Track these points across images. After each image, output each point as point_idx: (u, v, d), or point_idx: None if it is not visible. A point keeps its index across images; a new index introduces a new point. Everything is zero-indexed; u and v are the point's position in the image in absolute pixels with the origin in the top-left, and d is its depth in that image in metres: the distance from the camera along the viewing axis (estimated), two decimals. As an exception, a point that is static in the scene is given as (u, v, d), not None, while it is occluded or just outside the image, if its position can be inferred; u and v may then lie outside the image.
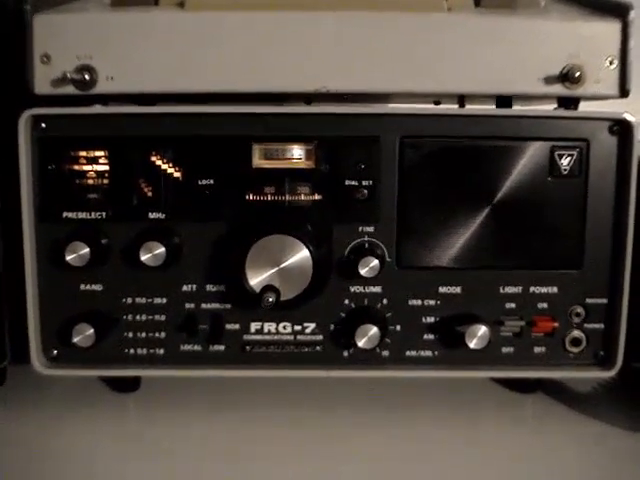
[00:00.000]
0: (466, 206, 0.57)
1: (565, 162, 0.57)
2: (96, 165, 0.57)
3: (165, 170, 0.57)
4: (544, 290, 0.58)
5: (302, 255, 0.55)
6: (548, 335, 0.59)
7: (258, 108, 0.56)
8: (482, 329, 0.56)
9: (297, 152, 0.57)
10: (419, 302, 0.58)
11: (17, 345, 0.62)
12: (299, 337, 0.59)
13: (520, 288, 0.58)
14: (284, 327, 0.59)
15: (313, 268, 0.55)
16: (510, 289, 0.58)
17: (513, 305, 0.58)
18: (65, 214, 0.57)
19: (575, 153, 0.57)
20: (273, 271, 0.55)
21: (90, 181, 0.57)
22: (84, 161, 0.57)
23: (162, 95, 0.58)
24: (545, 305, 0.58)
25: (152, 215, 0.57)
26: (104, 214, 0.57)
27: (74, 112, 0.57)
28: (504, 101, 0.62)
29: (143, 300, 0.58)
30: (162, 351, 0.59)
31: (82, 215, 0.57)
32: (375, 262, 0.56)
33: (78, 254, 0.55)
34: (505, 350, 0.59)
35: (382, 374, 0.59)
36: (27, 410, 0.61)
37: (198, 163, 0.57)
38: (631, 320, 0.58)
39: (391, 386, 0.64)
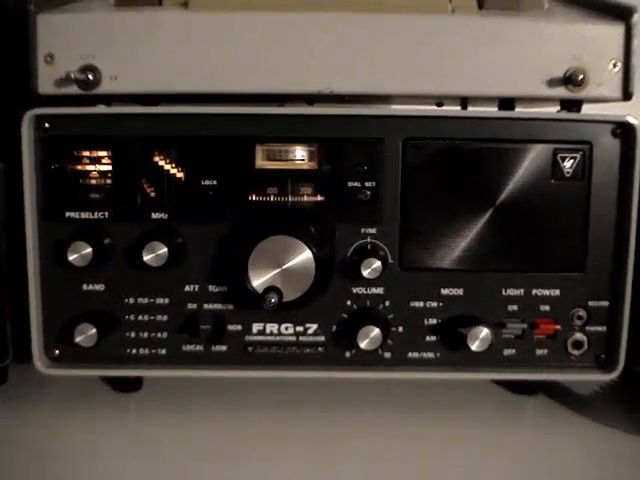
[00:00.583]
0: (468, 208, 0.57)
1: (568, 165, 0.57)
2: (99, 165, 0.57)
3: (168, 170, 0.57)
4: (546, 292, 0.58)
5: (304, 256, 0.55)
6: (550, 337, 0.59)
7: (261, 109, 0.57)
8: (484, 331, 0.56)
9: (300, 153, 0.57)
10: (421, 304, 0.58)
11: (19, 344, 0.62)
12: (301, 338, 0.59)
13: (522, 290, 0.58)
14: (286, 328, 0.59)
15: (315, 269, 0.55)
16: (512, 291, 0.58)
17: (515, 307, 0.58)
18: (68, 214, 0.57)
19: (578, 156, 0.57)
20: (275, 272, 0.55)
21: (93, 181, 0.57)
22: (87, 161, 0.57)
23: (165, 95, 0.58)
24: (547, 307, 0.58)
25: (155, 215, 0.57)
26: (107, 214, 0.57)
27: (77, 112, 0.57)
28: (507, 103, 0.63)
29: (145, 300, 0.58)
30: (164, 351, 0.59)
31: (85, 215, 0.57)
32: (377, 263, 0.56)
33: (81, 254, 0.55)
34: (507, 352, 0.59)
35: (384, 375, 0.59)
36: (28, 409, 0.61)
37: (201, 164, 0.57)
38: (633, 323, 0.58)
39: (392, 387, 0.64)
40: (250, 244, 0.55)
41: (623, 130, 0.56)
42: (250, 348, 0.59)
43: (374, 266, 0.56)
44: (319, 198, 0.57)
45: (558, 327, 0.59)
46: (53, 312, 0.58)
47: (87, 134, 0.57)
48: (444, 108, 0.70)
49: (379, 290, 0.58)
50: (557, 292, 0.58)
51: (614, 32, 0.56)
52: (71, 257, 0.55)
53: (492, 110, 0.64)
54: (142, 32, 0.56)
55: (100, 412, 0.60)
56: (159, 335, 0.59)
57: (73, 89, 0.56)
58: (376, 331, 0.56)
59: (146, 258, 0.55)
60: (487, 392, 0.64)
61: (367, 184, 0.57)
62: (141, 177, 0.57)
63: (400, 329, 0.59)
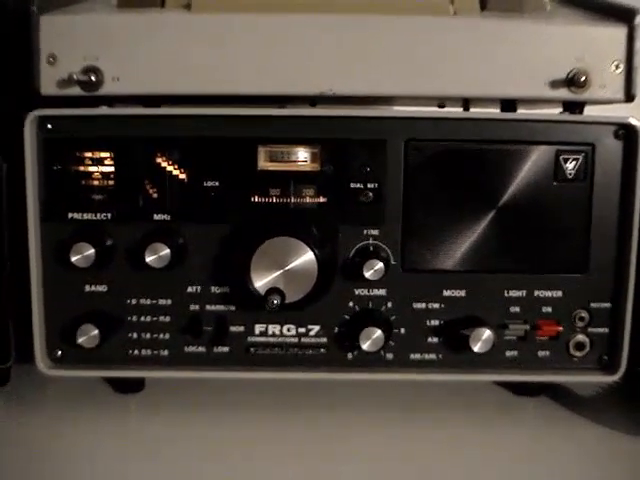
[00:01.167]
0: (471, 209, 0.57)
1: (570, 166, 0.57)
2: (101, 166, 0.57)
3: (170, 172, 0.57)
4: (548, 294, 0.58)
5: (307, 257, 0.55)
6: (552, 339, 0.59)
7: (263, 110, 0.57)
8: (486, 332, 0.56)
9: (302, 154, 0.57)
10: (423, 305, 0.58)
11: (21, 345, 0.62)
12: (303, 339, 0.59)
13: (524, 292, 0.58)
14: (288, 329, 0.59)
15: (318, 270, 0.55)
16: (514, 293, 0.58)
17: (517, 309, 0.58)
18: (70, 215, 0.57)
19: (580, 157, 0.57)
20: (278, 273, 0.55)
21: (95, 182, 0.57)
22: (89, 162, 0.57)
23: (168, 97, 0.58)
24: (549, 309, 0.58)
25: (157, 216, 0.57)
26: (109, 215, 0.57)
27: (80, 113, 0.57)
28: (509, 105, 0.63)
29: (148, 301, 0.58)
30: (166, 352, 0.59)
31: (87, 216, 0.57)
32: (380, 265, 0.56)
33: (83, 255, 0.55)
34: (509, 354, 0.59)
35: (386, 377, 0.59)
36: (30, 410, 0.61)
37: (203, 165, 0.57)
38: (635, 324, 0.58)
39: (393, 387, 0.64)
40: (252, 245, 0.55)
41: (625, 132, 0.56)
42: (252, 349, 0.59)
43: (376, 267, 0.56)
44: (321, 199, 0.57)
45: (560, 328, 0.59)
46: (55, 313, 0.58)
47: (89, 135, 0.57)
48: (446, 109, 0.70)
49: (381, 291, 0.58)
50: (559, 293, 0.58)
51: (617, 34, 0.56)
52: (73, 258, 0.55)
53: (494, 111, 0.64)
54: (144, 33, 0.56)
55: (102, 413, 0.60)
56: (161, 336, 0.59)
57: (75, 90, 0.56)
58: (378, 332, 0.56)
59: (148, 259, 0.55)
60: (489, 393, 0.64)
61: (369, 185, 0.57)
62: (143, 178, 0.57)
63: (402, 330, 0.59)
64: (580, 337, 0.59)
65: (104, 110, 0.58)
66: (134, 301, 0.58)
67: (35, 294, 0.57)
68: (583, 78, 0.55)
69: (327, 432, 0.58)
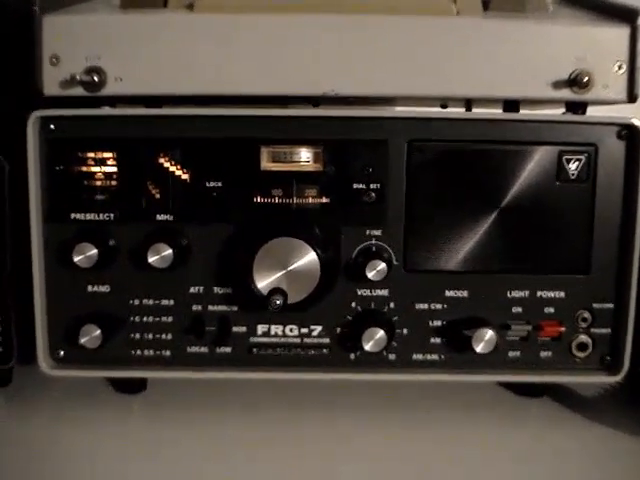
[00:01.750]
0: (473, 210, 0.57)
1: (573, 167, 0.57)
2: (104, 166, 0.57)
3: (173, 172, 0.57)
4: (551, 294, 0.58)
5: (309, 258, 0.55)
6: (555, 340, 0.59)
7: (266, 111, 0.57)
8: (489, 333, 0.56)
9: (305, 155, 0.57)
10: (426, 306, 0.58)
11: (24, 345, 0.62)
12: (306, 340, 0.59)
13: (527, 292, 0.58)
14: (291, 330, 0.59)
15: (320, 271, 0.55)
16: (517, 293, 0.58)
17: (520, 309, 0.58)
18: (73, 215, 0.57)
19: (583, 158, 0.57)
20: (280, 274, 0.55)
21: (98, 182, 0.57)
22: (92, 162, 0.57)
23: (170, 97, 0.58)
24: (552, 310, 0.58)
25: (160, 217, 0.57)
26: (112, 215, 0.57)
27: (83, 113, 0.57)
28: (511, 105, 0.63)
29: (150, 302, 0.58)
30: (169, 353, 0.59)
31: (90, 216, 0.57)
32: (382, 265, 0.56)
33: (86, 255, 0.55)
34: (512, 354, 0.59)
35: (388, 377, 0.59)
36: (33, 411, 0.61)
37: (206, 165, 0.57)
38: (638, 325, 0.58)
39: (394, 387, 0.64)
40: (255, 246, 0.55)
41: (628, 132, 0.56)
42: (255, 350, 0.59)
43: (379, 268, 0.56)
44: (324, 200, 0.57)
45: (563, 329, 0.59)
46: (58, 313, 0.58)
47: (92, 136, 0.57)
48: (449, 110, 0.70)
49: (384, 292, 0.58)
50: (562, 294, 0.58)
51: (619, 34, 0.56)
52: (76, 258, 0.55)
53: (497, 112, 0.64)
54: (147, 34, 0.56)
55: (104, 413, 0.60)
56: (164, 336, 0.59)
57: (78, 90, 0.56)
58: (381, 333, 0.56)
59: (151, 259, 0.55)
60: (491, 394, 0.64)
61: (372, 186, 0.57)
62: (146, 179, 0.57)
63: (405, 331, 0.59)
64: (583, 338, 0.59)
65: (107, 110, 0.58)
66: (137, 301, 0.58)
67: (38, 294, 0.57)
68: (586, 78, 0.55)
69: (328, 432, 0.58)
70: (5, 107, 0.67)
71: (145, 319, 0.59)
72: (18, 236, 0.59)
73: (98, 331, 0.56)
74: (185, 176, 0.57)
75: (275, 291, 0.54)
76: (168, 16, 0.57)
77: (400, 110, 0.70)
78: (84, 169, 0.57)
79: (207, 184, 0.57)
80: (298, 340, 0.59)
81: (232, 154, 0.57)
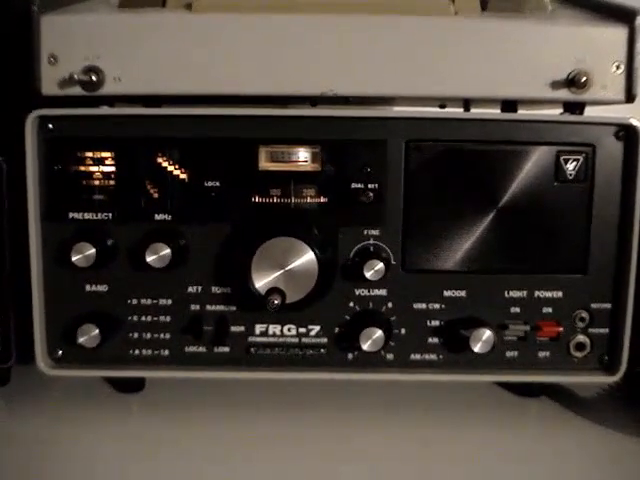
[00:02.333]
0: (471, 210, 0.57)
1: (571, 167, 0.57)
2: (102, 166, 0.57)
3: (171, 172, 0.57)
4: (549, 294, 0.58)
5: (307, 258, 0.55)
6: (553, 340, 0.59)
7: (265, 111, 0.57)
8: (487, 333, 0.56)
9: (303, 155, 0.57)
10: (424, 305, 0.58)
11: (22, 345, 0.62)
12: (304, 339, 0.59)
13: (525, 292, 0.58)
14: (289, 329, 0.59)
15: (318, 271, 0.55)
16: (515, 293, 0.58)
17: (518, 309, 0.58)
18: (71, 215, 0.57)
19: (581, 158, 0.57)
20: (278, 273, 0.55)
21: (96, 182, 0.57)
22: (91, 162, 0.57)
23: (168, 97, 0.58)
24: (550, 310, 0.58)
25: (158, 216, 0.57)
26: (110, 215, 0.57)
27: (81, 113, 0.57)
28: (510, 105, 0.63)
29: (148, 301, 0.58)
30: (167, 352, 0.59)
31: (88, 216, 0.57)
32: (380, 265, 0.56)
33: (84, 255, 0.55)
34: (509, 354, 0.59)
35: (386, 377, 0.59)
36: (31, 410, 0.61)
37: (204, 165, 0.57)
38: (635, 325, 0.58)
39: (393, 387, 0.64)
40: (253, 245, 0.55)
41: (626, 132, 0.56)
42: (253, 349, 0.59)
43: (377, 268, 0.56)
44: (322, 199, 0.57)
45: (561, 329, 0.59)
46: (56, 313, 0.58)
47: (90, 135, 0.57)
48: (447, 110, 0.70)
49: (382, 292, 0.58)
50: (560, 294, 0.58)
51: (617, 34, 0.56)
52: (74, 258, 0.55)
53: (495, 112, 0.64)
54: (145, 33, 0.56)
55: (102, 413, 0.60)
56: (162, 336, 0.59)
57: (76, 90, 0.56)
58: (378, 333, 0.56)
59: (149, 259, 0.55)
60: (489, 394, 0.64)
61: (370, 186, 0.57)
62: (144, 178, 0.57)
63: (402, 331, 0.59)
64: (580, 337, 0.59)
65: (105, 110, 0.58)
66: (135, 301, 0.58)
67: (36, 294, 0.57)
68: (584, 79, 0.55)
69: (327, 432, 0.58)
70: (3, 106, 0.67)
71: (143, 319, 0.59)
72: (16, 235, 0.59)
73: (96, 331, 0.56)
74: (183, 176, 0.57)
75: (273, 291, 0.54)
76: (166, 16, 0.57)
77: (398, 110, 0.70)
78: (82, 169, 0.57)
79: (205, 184, 0.57)
80: (296, 340, 0.59)
81: (230, 154, 0.57)
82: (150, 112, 0.58)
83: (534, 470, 0.54)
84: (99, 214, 0.57)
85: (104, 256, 0.56)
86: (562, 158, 0.57)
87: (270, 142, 0.57)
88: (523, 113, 0.62)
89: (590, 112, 0.59)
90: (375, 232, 0.58)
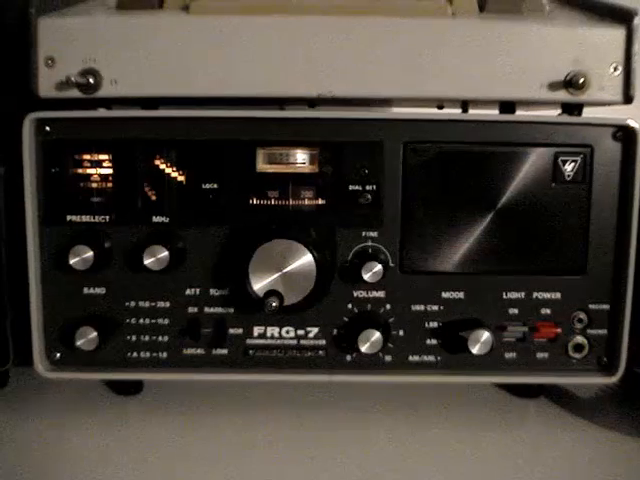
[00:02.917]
0: (469, 211, 0.57)
1: (569, 168, 0.57)
2: (100, 168, 0.57)
3: (169, 174, 0.57)
4: (547, 296, 0.58)
5: (305, 260, 0.55)
6: (551, 341, 0.59)
7: (262, 112, 0.56)
8: (485, 334, 0.56)
9: (301, 157, 0.57)
10: (422, 307, 0.58)
11: (20, 347, 0.62)
12: (302, 341, 0.59)
13: (523, 294, 0.58)
14: (287, 331, 0.59)
15: (316, 273, 0.55)
16: (513, 295, 0.58)
17: (516, 311, 0.58)
18: (69, 217, 0.57)
19: (579, 159, 0.57)
20: (276, 276, 0.55)
21: (94, 184, 0.57)
22: (88, 164, 0.57)
23: (166, 99, 0.58)
24: (548, 311, 0.58)
25: (156, 219, 0.57)
26: (108, 218, 0.57)
27: (78, 115, 0.57)
28: (508, 106, 0.63)
29: (146, 304, 0.58)
30: (165, 355, 0.59)
31: (86, 218, 0.57)
32: (378, 267, 0.56)
33: (82, 257, 0.55)
34: (508, 355, 0.59)
35: (385, 379, 0.59)
36: (29, 412, 0.61)
37: (202, 167, 0.57)
38: (633, 326, 0.58)
39: (392, 389, 0.64)
40: (251, 248, 0.55)
41: (624, 133, 0.56)
42: (251, 352, 0.59)
43: (375, 269, 0.56)
44: (320, 201, 0.57)
45: (559, 330, 0.59)
46: (54, 315, 0.58)
47: (88, 137, 0.57)
48: (445, 111, 0.70)
49: (380, 293, 0.58)
50: (558, 295, 0.58)
51: (615, 35, 0.56)
52: (72, 261, 0.55)
53: (493, 113, 0.64)
54: (143, 36, 0.56)
55: (100, 415, 0.60)
56: (160, 339, 0.59)
57: (74, 92, 0.56)
58: (377, 334, 0.56)
59: (147, 262, 0.55)
60: (488, 395, 0.64)
61: (368, 187, 0.57)
62: (142, 181, 0.57)
63: (401, 332, 0.59)
64: (579, 339, 0.59)
65: (102, 112, 0.58)
66: (132, 304, 0.58)
67: (34, 296, 0.57)
68: (581, 80, 0.55)
69: (326, 433, 0.58)
70: (1, 109, 0.67)
71: (141, 321, 0.59)
72: (14, 238, 0.59)
73: (94, 333, 0.56)
74: (181, 178, 0.57)
75: (271, 293, 0.54)
76: (164, 18, 0.57)
77: (396, 112, 0.70)
78: (80, 171, 0.57)
79: (203, 186, 0.57)
80: (294, 342, 0.59)
81: (228, 156, 0.57)
82: (147, 114, 0.58)
83: (532, 470, 0.54)
84: (97, 217, 0.57)
85: (102, 259, 0.56)
86: (560, 159, 0.57)
87: (268, 144, 0.57)
88: (521, 114, 0.62)
89: (588, 113, 0.59)
90: (373, 234, 0.58)
